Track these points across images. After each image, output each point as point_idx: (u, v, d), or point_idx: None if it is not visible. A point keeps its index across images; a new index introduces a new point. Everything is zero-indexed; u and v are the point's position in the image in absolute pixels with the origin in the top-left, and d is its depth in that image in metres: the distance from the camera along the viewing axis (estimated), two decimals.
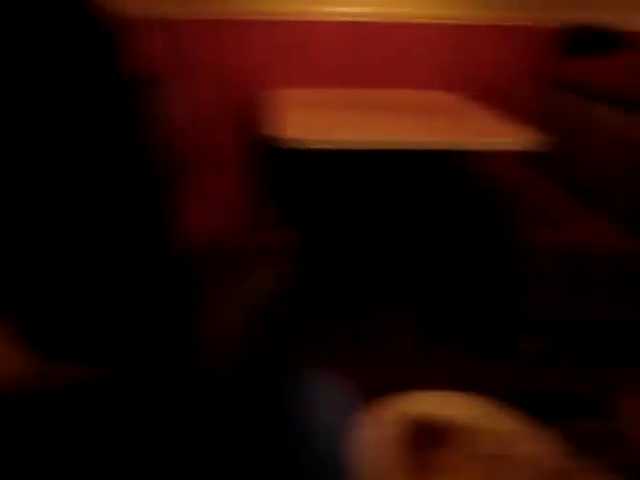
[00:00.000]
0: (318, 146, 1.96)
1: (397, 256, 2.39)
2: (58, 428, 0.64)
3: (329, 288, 2.80)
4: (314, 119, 2.33)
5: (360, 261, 2.96)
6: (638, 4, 3.20)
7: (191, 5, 2.90)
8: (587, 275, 2.33)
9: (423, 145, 2.12)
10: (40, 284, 0.60)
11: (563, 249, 2.36)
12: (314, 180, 3.09)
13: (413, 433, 0.92)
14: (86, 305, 0.60)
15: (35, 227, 0.61)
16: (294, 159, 3.04)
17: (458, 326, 2.70)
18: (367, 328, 2.61)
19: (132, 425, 0.63)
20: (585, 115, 2.88)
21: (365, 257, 2.95)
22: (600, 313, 2.39)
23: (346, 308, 2.71)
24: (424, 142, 2.15)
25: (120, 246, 0.61)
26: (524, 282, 2.38)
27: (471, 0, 3.14)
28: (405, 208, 2.35)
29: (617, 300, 2.36)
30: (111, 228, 0.61)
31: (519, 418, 0.78)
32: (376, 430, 0.92)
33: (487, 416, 0.86)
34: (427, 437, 0.88)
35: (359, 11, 3.06)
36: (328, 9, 3.03)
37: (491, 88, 3.21)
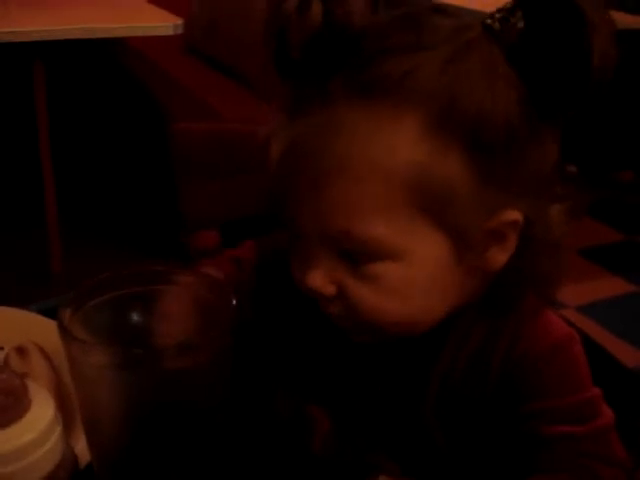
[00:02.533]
0: None
1: (46, 164, 2.18)
2: None
3: None
4: None
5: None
6: None
7: None
8: (243, 162, 2.30)
9: (62, 34, 1.99)
10: None
11: (217, 138, 2.30)
12: None
13: None
14: None
15: None
16: None
17: (121, 227, 2.58)
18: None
19: None
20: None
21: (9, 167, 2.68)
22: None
23: None
24: (62, 31, 2.00)
25: None
26: (182, 176, 2.30)
27: None
28: (44, 107, 2.12)
29: None
30: None
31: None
32: None
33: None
34: None
35: None
36: None
37: None
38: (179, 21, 2.12)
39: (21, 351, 0.75)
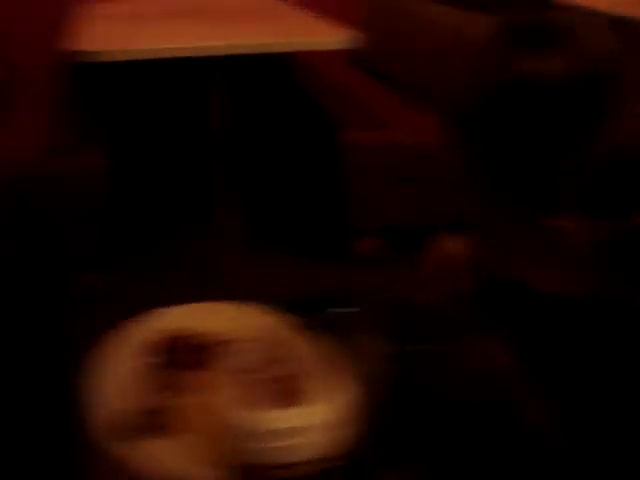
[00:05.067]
0: (115, 58, 1.82)
1: (219, 171, 2.30)
2: None
3: (146, 212, 2.70)
4: (117, 30, 2.16)
5: (178, 180, 2.85)
6: None
7: None
8: (413, 174, 2.34)
9: (241, 49, 2.08)
10: None
11: (388, 148, 2.35)
12: (123, 95, 2.89)
13: (167, 351, 0.86)
14: None
15: None
16: (98, 73, 2.83)
17: (290, 233, 2.67)
18: (193, 253, 2.55)
19: None
20: (414, 13, 2.83)
21: (183, 176, 2.83)
22: (428, 213, 2.41)
23: (165, 232, 2.64)
24: (241, 46, 2.10)
25: None
26: (351, 183, 2.36)
27: None
28: (225, 119, 2.24)
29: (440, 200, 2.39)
30: None
31: (297, 325, 0.74)
32: (118, 350, 0.85)
33: (262, 326, 0.82)
34: (183, 355, 0.83)
35: None
36: None
37: None
38: (351, 35, 2.17)
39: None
